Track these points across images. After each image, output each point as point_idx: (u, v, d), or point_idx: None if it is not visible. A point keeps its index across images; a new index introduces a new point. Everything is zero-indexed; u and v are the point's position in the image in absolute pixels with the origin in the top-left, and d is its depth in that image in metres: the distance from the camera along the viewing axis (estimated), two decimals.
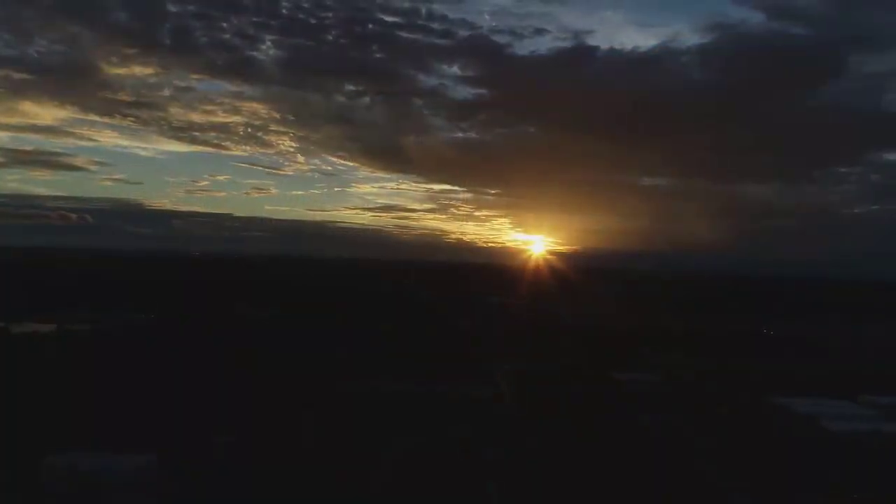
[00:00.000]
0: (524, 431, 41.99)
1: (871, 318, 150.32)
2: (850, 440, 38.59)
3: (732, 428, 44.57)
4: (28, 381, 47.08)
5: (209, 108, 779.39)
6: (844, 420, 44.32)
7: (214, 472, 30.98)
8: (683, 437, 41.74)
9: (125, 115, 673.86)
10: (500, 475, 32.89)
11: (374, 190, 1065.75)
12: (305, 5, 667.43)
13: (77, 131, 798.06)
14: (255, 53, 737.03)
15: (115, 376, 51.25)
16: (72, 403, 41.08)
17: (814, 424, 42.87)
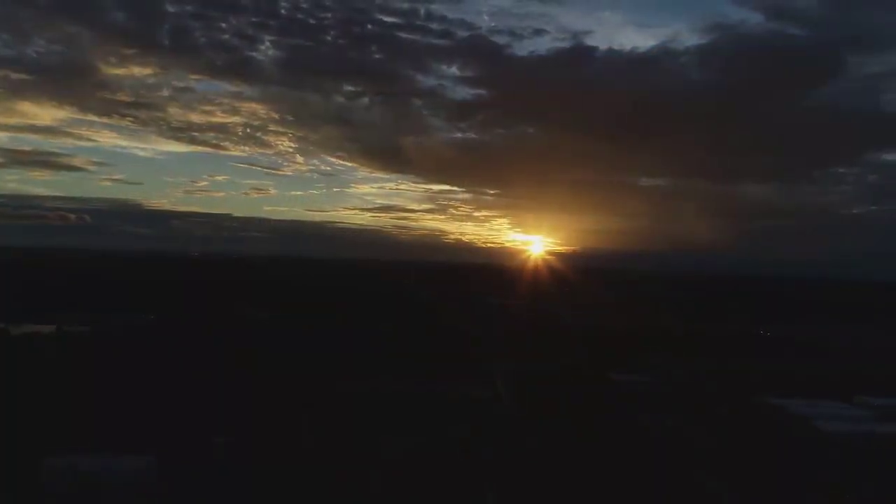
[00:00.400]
0: (524, 432, 42.03)
1: (868, 319, 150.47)
2: (845, 441, 38.73)
3: (730, 429, 44.67)
4: (27, 382, 47.05)
5: (208, 108, 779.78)
6: (840, 421, 44.48)
7: (214, 473, 30.97)
8: (682, 438, 41.82)
9: (124, 116, 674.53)
10: (500, 475, 32.93)
11: (373, 190, 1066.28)
12: (304, 6, 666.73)
13: (76, 131, 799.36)
14: (253, 54, 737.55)
15: (115, 377, 51.15)
16: (71, 405, 41.04)
17: (810, 425, 43.00)
